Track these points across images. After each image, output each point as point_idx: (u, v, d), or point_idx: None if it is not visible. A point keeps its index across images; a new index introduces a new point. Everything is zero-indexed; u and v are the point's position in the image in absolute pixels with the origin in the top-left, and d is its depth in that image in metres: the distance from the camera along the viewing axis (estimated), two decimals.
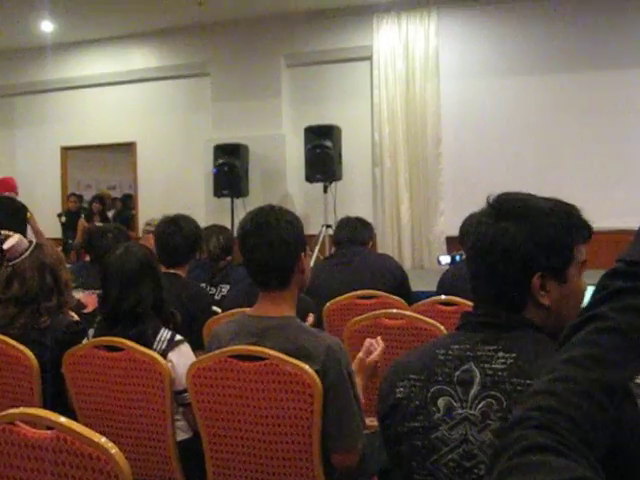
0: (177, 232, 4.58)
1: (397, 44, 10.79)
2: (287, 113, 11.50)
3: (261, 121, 11.31)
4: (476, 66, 10.58)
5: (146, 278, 3.49)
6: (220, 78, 11.74)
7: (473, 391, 1.82)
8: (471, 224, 2.02)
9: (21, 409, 2.15)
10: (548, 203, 1.94)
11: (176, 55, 12.15)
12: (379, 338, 3.25)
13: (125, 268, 3.46)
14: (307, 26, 11.17)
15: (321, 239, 10.07)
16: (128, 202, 13.92)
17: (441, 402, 1.85)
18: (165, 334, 3.41)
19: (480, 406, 1.79)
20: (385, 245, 10.63)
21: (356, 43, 11.05)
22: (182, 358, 3.35)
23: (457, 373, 1.85)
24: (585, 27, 10.10)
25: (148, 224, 5.69)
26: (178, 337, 3.44)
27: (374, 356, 3.17)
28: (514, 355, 1.79)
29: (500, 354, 1.82)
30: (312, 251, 9.68)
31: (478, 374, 1.82)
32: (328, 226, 9.92)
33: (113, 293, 3.44)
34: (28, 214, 9.03)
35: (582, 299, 1.90)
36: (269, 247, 2.85)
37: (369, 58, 11.02)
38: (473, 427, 1.79)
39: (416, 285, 6.14)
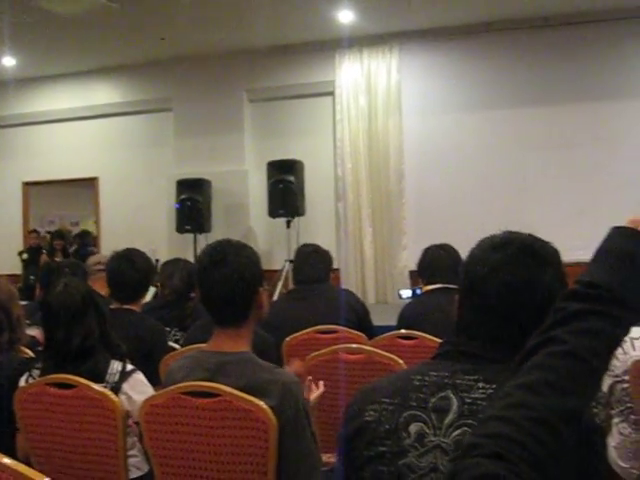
0: (129, 267, 4.53)
1: (359, 79, 10.85)
2: (250, 148, 11.50)
3: (224, 156, 11.29)
4: (438, 101, 10.64)
5: (90, 311, 3.43)
6: (183, 113, 11.72)
7: (448, 419, 1.77)
8: (480, 257, 1.92)
9: None
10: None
11: (139, 90, 12.13)
12: (321, 383, 3.26)
13: (68, 304, 3.39)
14: (269, 61, 11.19)
15: (284, 274, 10.03)
16: (85, 238, 13.77)
17: (413, 428, 1.79)
18: (116, 366, 3.36)
19: (454, 434, 1.74)
20: (349, 279, 10.60)
21: (319, 78, 11.10)
22: (137, 387, 3.30)
23: (433, 400, 1.80)
24: (547, 61, 10.22)
25: (98, 262, 5.49)
26: (129, 367, 3.39)
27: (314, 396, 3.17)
28: (495, 386, 1.74)
29: (480, 384, 1.77)
30: (275, 286, 9.65)
31: (455, 402, 1.78)
32: (291, 261, 9.87)
33: (59, 332, 3.36)
34: None
35: None
36: (227, 284, 2.82)
37: (331, 93, 11.06)
38: (444, 456, 1.73)
39: (380, 319, 6.11)
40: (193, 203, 10.83)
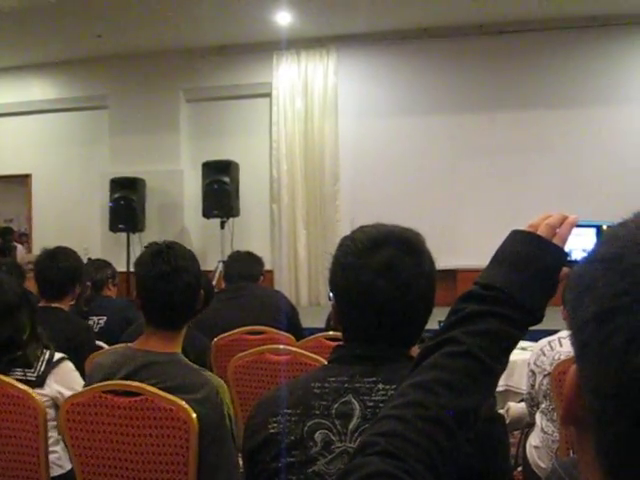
0: (55, 265, 4.49)
1: (296, 82, 10.87)
2: (185, 148, 11.45)
3: (159, 155, 11.22)
4: (374, 105, 10.71)
5: (23, 309, 3.40)
6: (119, 111, 11.62)
7: (352, 424, 1.78)
8: (358, 264, 1.94)
9: None
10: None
11: (75, 87, 11.99)
12: None
13: (1, 299, 3.37)
14: (207, 61, 11.16)
15: (217, 275, 10.00)
16: (7, 236, 13.50)
17: (318, 436, 1.80)
18: (46, 356, 3.33)
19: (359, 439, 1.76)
20: (282, 281, 10.61)
21: (256, 80, 11.09)
22: (66, 376, 3.28)
23: (335, 406, 1.81)
24: (481, 69, 10.36)
25: (30, 262, 5.48)
26: (57, 356, 3.36)
27: None
28: (394, 387, 1.75)
29: (380, 386, 1.79)
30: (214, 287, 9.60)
31: (358, 406, 1.79)
32: (224, 262, 9.86)
33: None
34: None
35: None
36: (181, 293, 2.81)
37: (268, 95, 11.06)
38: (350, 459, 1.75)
39: (312, 322, 6.15)
40: (127, 202, 10.75)
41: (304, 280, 10.70)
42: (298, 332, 5.06)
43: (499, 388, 5.25)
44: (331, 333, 4.50)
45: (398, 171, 10.46)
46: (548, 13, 9.83)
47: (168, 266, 2.80)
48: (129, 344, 3.02)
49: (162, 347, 2.82)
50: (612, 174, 9.70)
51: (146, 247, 2.97)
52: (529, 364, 3.95)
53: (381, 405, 1.74)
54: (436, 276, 1.89)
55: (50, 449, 3.20)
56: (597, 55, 10.03)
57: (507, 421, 4.52)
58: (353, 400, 1.79)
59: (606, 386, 0.68)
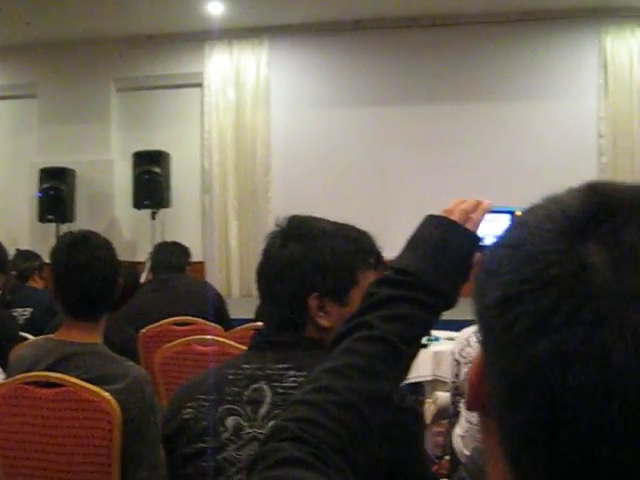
0: None
1: (228, 72, 10.81)
2: (116, 138, 11.31)
3: (89, 145, 11.07)
4: (307, 96, 10.70)
5: None
6: (48, 100, 11.42)
7: (263, 410, 1.79)
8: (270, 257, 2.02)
9: None
10: (334, 227, 1.97)
11: (2, 75, 11.74)
12: None
13: None
14: (138, 50, 11.02)
15: (148, 266, 9.92)
16: None
17: (230, 422, 1.81)
18: None
19: (270, 425, 1.76)
20: (214, 272, 10.56)
21: (187, 70, 10.99)
22: None
23: (247, 392, 1.82)
24: (417, 61, 10.41)
25: None
26: None
27: None
28: (305, 373, 1.77)
29: (291, 372, 1.81)
30: (139, 278, 9.53)
31: (268, 393, 1.80)
32: (151, 253, 9.80)
33: None
34: None
35: None
36: (98, 283, 2.79)
37: (200, 85, 10.96)
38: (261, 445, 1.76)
39: (245, 313, 6.13)
40: (56, 192, 10.58)
41: (236, 271, 10.66)
42: (227, 323, 5.06)
43: (427, 378, 5.32)
44: (259, 323, 4.51)
45: (330, 163, 10.48)
46: (479, 8, 9.92)
47: (83, 256, 2.78)
48: (50, 336, 3.00)
49: (82, 338, 2.80)
50: (540, 167, 9.83)
51: (61, 237, 2.95)
52: (454, 353, 3.99)
53: (291, 392, 1.76)
54: (329, 266, 1.92)
55: None
56: (525, 49, 10.19)
57: (435, 410, 4.57)
58: (264, 387, 1.81)
59: (509, 373, 0.69)
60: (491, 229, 1.40)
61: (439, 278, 1.29)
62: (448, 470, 4.51)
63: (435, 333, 5.48)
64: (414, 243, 1.37)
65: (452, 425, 4.41)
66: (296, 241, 1.92)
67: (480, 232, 1.37)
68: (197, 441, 1.83)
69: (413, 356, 1.32)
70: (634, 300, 0.64)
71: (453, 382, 4.09)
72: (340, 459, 1.12)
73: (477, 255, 1.33)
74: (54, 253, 2.90)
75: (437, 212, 1.43)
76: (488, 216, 1.40)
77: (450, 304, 1.33)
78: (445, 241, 1.33)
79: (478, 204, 1.40)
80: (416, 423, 1.81)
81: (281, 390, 1.79)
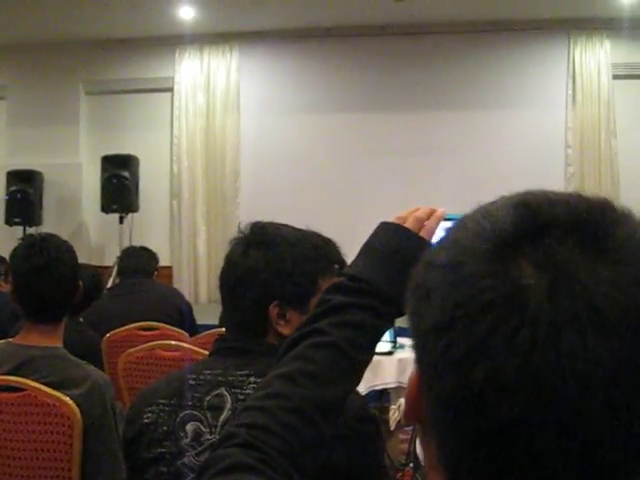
0: None
1: (199, 77, 10.80)
2: (85, 141, 11.25)
3: (57, 148, 11.00)
4: (277, 102, 10.71)
5: None
6: (16, 103, 11.34)
7: (223, 416, 1.79)
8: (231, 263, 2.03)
9: None
10: (297, 234, 1.97)
11: None
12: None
13: None
14: (108, 54, 10.97)
15: (115, 270, 9.88)
16: None
17: (189, 427, 1.81)
18: None
19: None
20: (181, 278, 10.54)
21: (158, 74, 10.96)
22: None
23: (208, 398, 1.82)
24: (383, 69, 10.45)
25: None
26: None
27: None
28: None
29: (252, 379, 1.81)
30: (106, 282, 9.49)
31: (229, 399, 1.80)
32: (119, 257, 9.75)
33: None
34: None
35: None
36: (55, 285, 2.77)
37: (170, 89, 10.94)
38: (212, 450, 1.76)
39: (212, 319, 6.12)
40: (23, 195, 10.50)
41: (204, 277, 10.65)
42: (193, 329, 5.05)
43: (392, 385, 5.33)
44: (223, 329, 4.51)
45: (299, 169, 10.49)
46: (451, 16, 9.98)
47: (41, 259, 2.77)
48: (9, 339, 2.98)
49: (42, 341, 2.79)
50: (509, 174, 9.88)
51: (21, 239, 2.94)
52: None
53: None
54: (286, 273, 1.93)
55: None
56: (494, 59, 10.26)
57: (399, 417, 4.58)
58: (225, 393, 1.81)
59: (445, 399, 0.69)
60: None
61: (391, 285, 1.29)
62: (411, 477, 4.53)
63: (400, 340, 5.50)
64: (367, 250, 1.38)
65: (416, 432, 4.42)
66: (257, 248, 1.93)
67: (433, 240, 1.38)
68: (157, 446, 1.83)
69: (365, 363, 1.32)
70: (569, 324, 0.63)
71: None
72: (289, 465, 1.12)
73: None
74: (12, 255, 2.89)
75: (391, 219, 1.44)
76: (442, 224, 1.41)
77: (402, 311, 1.34)
78: (397, 248, 1.34)
79: (432, 212, 1.41)
80: (375, 433, 1.82)
81: (242, 397, 1.79)
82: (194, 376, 1.87)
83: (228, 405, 1.79)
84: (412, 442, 4.69)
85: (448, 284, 0.69)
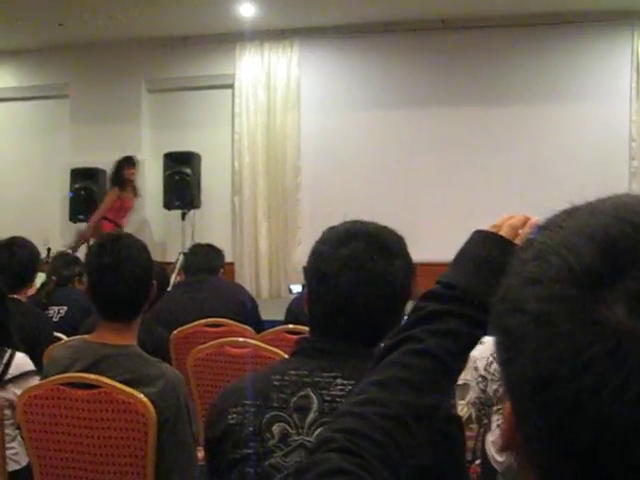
0: (10, 256, 4.46)
1: (259, 74, 10.83)
2: (147, 138, 11.37)
3: (120, 146, 11.09)
4: (337, 98, 10.71)
5: None
6: (79, 101, 11.49)
7: (310, 417, 1.79)
8: (328, 254, 1.93)
9: None
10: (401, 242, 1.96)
11: (35, 76, 11.84)
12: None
13: None
14: (170, 52, 11.08)
15: (178, 266, 9.96)
16: None
17: (276, 428, 1.81)
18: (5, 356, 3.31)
19: (317, 432, 1.76)
20: (243, 274, 10.60)
21: (219, 71, 11.03)
22: (28, 384, 3.25)
23: (294, 399, 1.82)
24: (446, 63, 10.40)
25: None
26: (22, 363, 3.34)
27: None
28: (353, 382, 1.77)
29: (339, 381, 1.80)
30: (169, 278, 9.57)
31: (316, 400, 1.80)
32: (185, 254, 9.83)
33: None
34: None
35: None
36: (128, 283, 2.80)
37: (231, 86, 11.01)
38: (309, 454, 1.76)
39: (272, 314, 6.15)
40: (87, 192, 10.66)
41: (265, 273, 10.69)
42: (258, 325, 5.07)
43: (459, 382, 5.29)
44: (291, 326, 4.53)
45: (359, 165, 10.48)
46: (510, 10, 9.89)
47: (111, 258, 2.80)
48: (85, 337, 3.02)
49: (117, 339, 2.81)
50: (568, 170, 9.80)
51: (96, 239, 2.98)
52: (477, 368, 3.95)
53: (338, 400, 1.76)
54: (408, 284, 1.90)
55: (7, 445, 3.19)
56: (556, 52, 10.12)
57: (467, 414, 4.56)
58: (311, 394, 1.81)
59: (549, 453, 0.68)
60: None
61: (486, 293, 1.29)
62: (478, 474, 4.50)
63: None
64: (462, 258, 1.37)
65: (484, 430, 4.39)
66: (398, 257, 1.89)
67: None
68: (243, 447, 1.82)
69: (459, 370, 1.32)
70: None
71: (478, 398, 4.07)
72: (386, 471, 1.12)
73: None
74: (87, 255, 2.93)
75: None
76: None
77: None
78: (493, 257, 1.33)
79: (527, 220, 1.39)
80: (461, 434, 1.81)
81: (328, 398, 1.78)
82: (279, 377, 1.85)
83: (315, 406, 1.79)
84: (477, 440, 4.65)
85: (541, 338, 0.67)
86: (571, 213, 0.74)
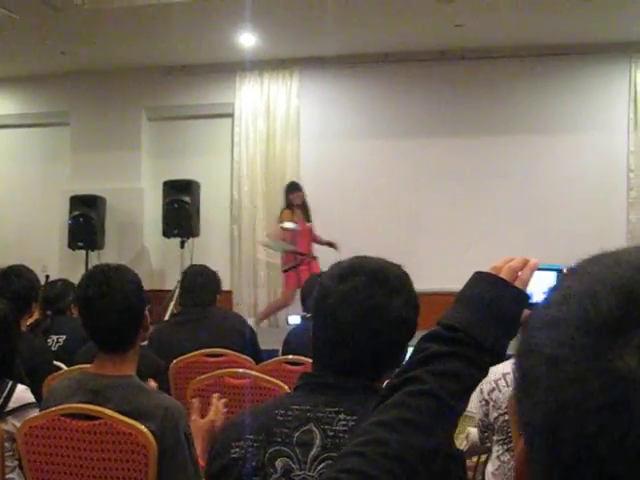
0: (8, 285, 4.46)
1: (259, 103, 10.89)
2: (146, 167, 11.41)
3: (120, 174, 11.17)
4: (336, 127, 10.77)
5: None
6: (80, 128, 11.55)
7: (313, 452, 1.79)
8: (331, 289, 1.93)
9: None
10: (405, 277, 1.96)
11: (36, 103, 11.89)
12: (215, 396, 3.12)
13: None
14: (170, 80, 11.15)
15: (176, 295, 9.95)
16: None
17: (279, 463, 1.81)
18: (7, 388, 3.30)
19: (319, 468, 1.77)
20: (241, 302, 10.61)
21: (218, 100, 11.10)
22: (28, 416, 3.25)
23: (297, 434, 1.82)
24: (445, 93, 10.48)
25: None
26: (30, 400, 3.33)
27: (209, 415, 2.96)
28: (356, 418, 1.78)
29: (342, 416, 1.80)
30: (167, 307, 9.57)
31: (319, 436, 1.80)
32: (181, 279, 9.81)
33: None
34: None
35: None
36: (116, 314, 2.79)
37: (231, 115, 11.07)
38: None
39: (271, 343, 6.15)
40: (86, 220, 10.68)
41: (263, 302, 10.68)
42: (257, 355, 5.06)
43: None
44: (290, 357, 4.52)
45: (358, 194, 10.52)
46: (509, 42, 9.96)
47: (99, 288, 2.79)
48: (84, 367, 3.02)
49: (115, 370, 2.81)
50: (567, 201, 9.86)
51: (87, 270, 2.97)
52: (482, 391, 3.96)
53: (341, 435, 1.77)
54: (410, 319, 1.91)
55: (7, 476, 3.18)
56: (555, 83, 10.21)
57: (467, 446, 4.56)
58: (314, 429, 1.81)
59: None
60: (537, 286, 1.41)
61: (487, 335, 1.31)
62: None
63: None
64: (463, 300, 1.39)
65: (485, 461, 4.39)
66: (382, 289, 1.89)
67: (528, 290, 1.39)
68: None
69: (461, 411, 1.33)
70: None
71: (482, 420, 4.07)
72: None
73: (526, 312, 1.35)
74: (78, 285, 2.93)
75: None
76: (536, 273, 1.42)
77: (497, 360, 1.35)
78: (493, 299, 1.34)
79: (526, 262, 1.41)
80: (463, 470, 1.81)
81: (331, 433, 1.78)
82: (282, 411, 1.85)
83: (317, 441, 1.79)
84: (478, 470, 4.66)
85: (552, 381, 0.69)
86: (600, 259, 0.75)
